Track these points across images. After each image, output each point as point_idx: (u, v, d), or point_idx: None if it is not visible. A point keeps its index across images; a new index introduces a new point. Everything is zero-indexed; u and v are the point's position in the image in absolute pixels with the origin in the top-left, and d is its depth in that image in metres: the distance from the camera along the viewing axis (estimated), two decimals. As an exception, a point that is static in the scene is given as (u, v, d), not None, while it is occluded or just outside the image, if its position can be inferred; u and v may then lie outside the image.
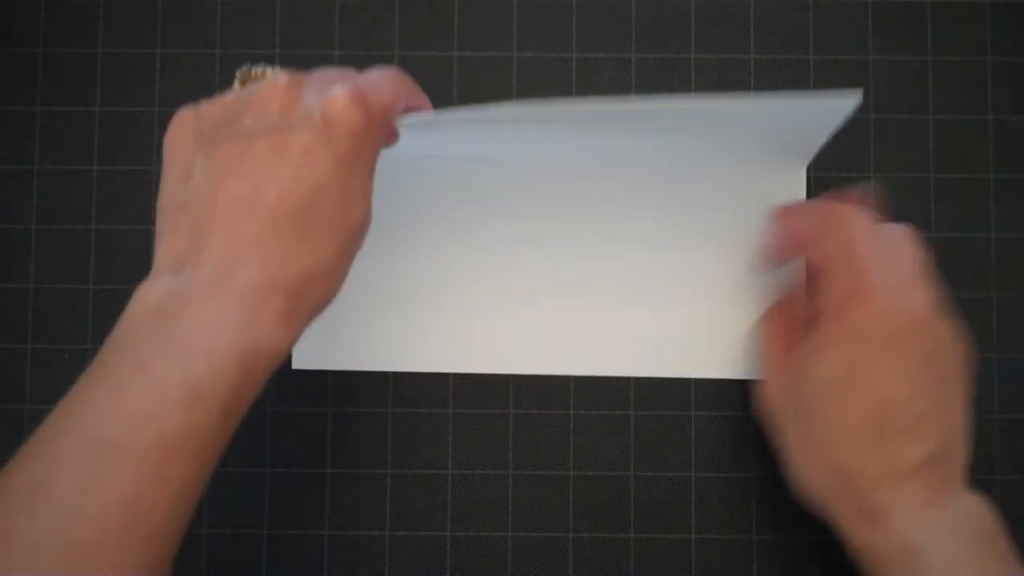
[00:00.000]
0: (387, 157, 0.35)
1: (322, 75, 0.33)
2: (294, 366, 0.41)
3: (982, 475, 0.41)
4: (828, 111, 0.35)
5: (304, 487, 0.41)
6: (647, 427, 0.42)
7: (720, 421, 0.42)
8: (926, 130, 0.43)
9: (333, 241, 0.31)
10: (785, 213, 0.38)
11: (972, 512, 0.33)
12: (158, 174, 0.42)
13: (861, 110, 0.43)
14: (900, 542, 0.32)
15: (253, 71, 0.35)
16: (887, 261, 0.34)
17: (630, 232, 0.41)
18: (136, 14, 0.43)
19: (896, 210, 0.40)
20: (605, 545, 0.41)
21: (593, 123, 0.38)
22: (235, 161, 0.30)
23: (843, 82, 0.43)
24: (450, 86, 0.43)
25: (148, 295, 0.30)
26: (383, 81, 0.33)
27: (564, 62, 0.43)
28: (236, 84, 0.36)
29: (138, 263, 0.42)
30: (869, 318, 0.33)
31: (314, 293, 0.31)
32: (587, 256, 0.41)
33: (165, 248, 0.31)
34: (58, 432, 0.28)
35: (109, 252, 0.42)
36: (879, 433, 0.33)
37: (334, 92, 0.31)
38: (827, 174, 0.42)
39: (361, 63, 0.43)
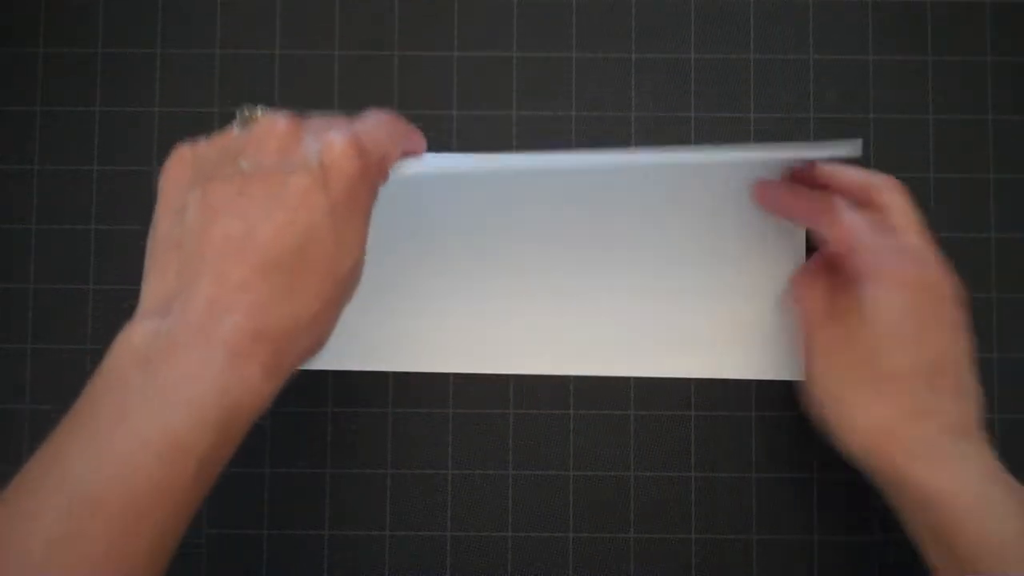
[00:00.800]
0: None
1: (319, 122, 0.33)
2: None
3: (982, 475, 0.41)
4: (830, 157, 0.37)
5: (304, 487, 0.41)
6: (647, 427, 0.42)
7: (720, 421, 0.42)
8: (926, 130, 0.43)
9: (323, 290, 0.30)
10: (774, 192, 0.40)
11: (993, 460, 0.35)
12: (158, 174, 0.42)
13: (861, 110, 0.43)
14: (963, 480, 0.33)
15: (253, 113, 0.34)
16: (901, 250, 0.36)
17: (634, 233, 0.41)
18: (136, 14, 0.43)
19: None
20: (605, 545, 0.41)
21: (592, 171, 0.40)
22: (229, 201, 0.30)
23: (843, 82, 0.43)
24: (450, 86, 0.43)
25: (134, 337, 0.29)
26: (380, 127, 0.33)
27: (564, 62, 0.43)
28: (236, 125, 0.36)
29: (138, 263, 0.42)
30: (931, 274, 0.35)
31: (300, 343, 0.30)
32: (591, 258, 0.41)
33: (153, 285, 0.30)
34: (35, 485, 0.28)
35: (109, 252, 0.42)
36: (933, 379, 0.34)
37: (332, 138, 0.31)
38: (827, 174, 0.42)
39: (361, 63, 0.43)
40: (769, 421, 0.41)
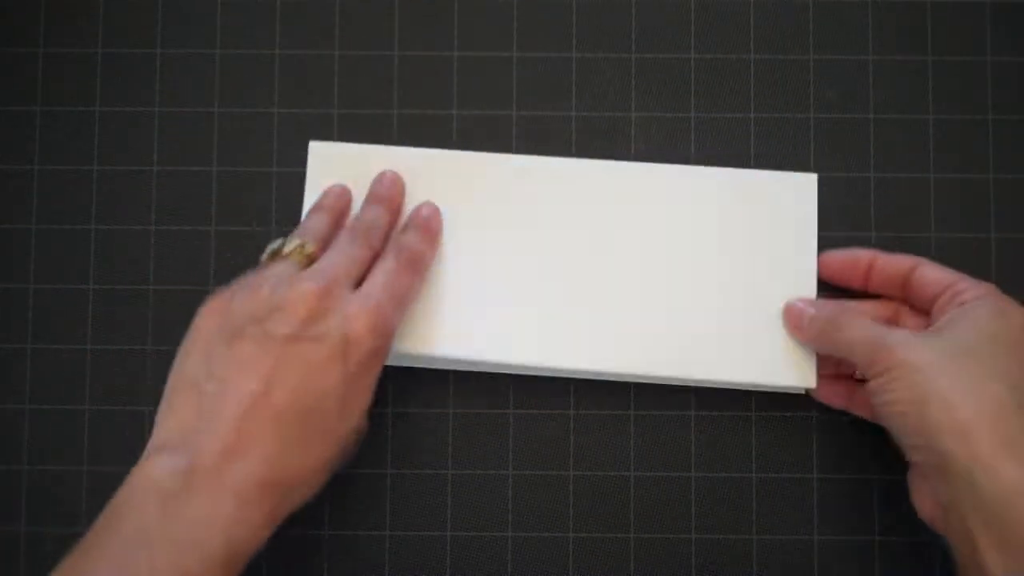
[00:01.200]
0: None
1: (343, 263, 0.36)
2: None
3: (982, 475, 0.41)
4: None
5: (304, 487, 0.41)
6: (647, 427, 0.42)
7: (720, 421, 0.42)
8: (926, 130, 0.43)
9: (328, 446, 0.34)
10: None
11: None
12: (158, 174, 0.42)
13: (861, 110, 0.43)
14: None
15: (284, 247, 0.37)
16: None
17: (645, 235, 0.41)
18: (136, 14, 0.43)
19: (896, 210, 0.40)
20: (605, 545, 0.41)
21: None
22: (254, 359, 0.33)
23: (843, 82, 0.43)
24: (450, 86, 0.43)
25: (154, 470, 0.31)
26: (387, 293, 0.36)
27: (564, 62, 0.43)
28: (265, 258, 0.37)
29: (138, 263, 0.42)
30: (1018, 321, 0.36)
31: (300, 493, 0.33)
32: (601, 257, 0.41)
33: (172, 420, 0.33)
34: None
35: (109, 252, 0.42)
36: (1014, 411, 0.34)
37: (356, 313, 0.34)
38: (827, 174, 0.42)
39: (361, 63, 0.43)
40: (769, 421, 0.41)
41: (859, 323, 0.38)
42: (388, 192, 0.40)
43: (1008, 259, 0.42)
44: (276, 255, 0.37)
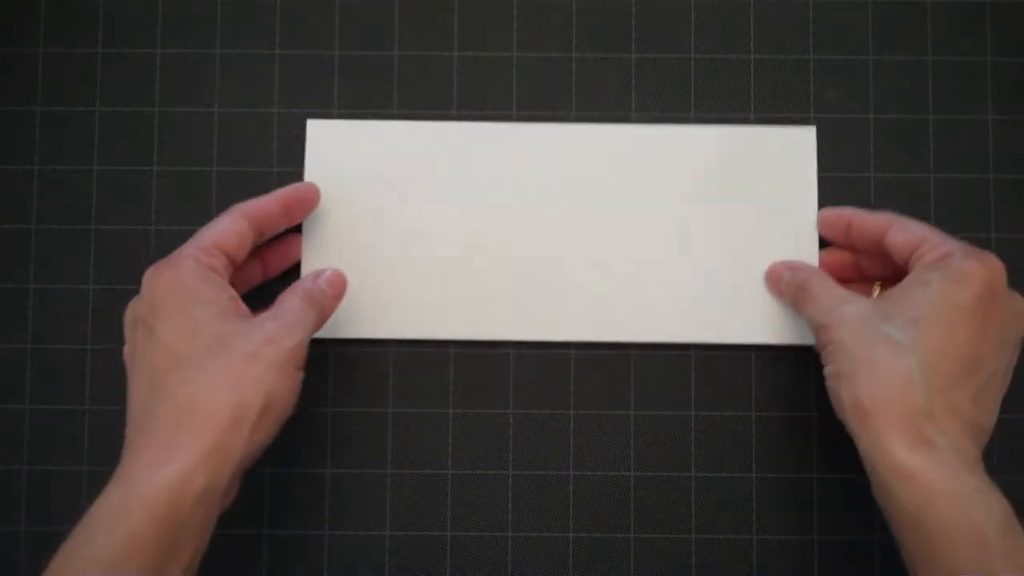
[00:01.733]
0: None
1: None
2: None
3: (982, 475, 0.41)
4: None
5: (304, 487, 0.41)
6: (647, 427, 0.42)
7: (720, 421, 0.42)
8: (926, 130, 0.43)
9: (231, 369, 0.34)
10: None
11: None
12: (158, 174, 0.42)
13: (861, 110, 0.43)
14: (950, 467, 0.32)
15: None
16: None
17: (637, 199, 0.42)
18: (136, 14, 0.43)
19: (896, 210, 0.40)
20: (605, 545, 0.41)
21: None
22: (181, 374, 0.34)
23: (843, 82, 0.43)
24: (450, 86, 0.43)
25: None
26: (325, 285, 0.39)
27: (564, 62, 0.43)
28: None
29: (138, 263, 0.42)
30: (988, 273, 0.34)
31: (245, 421, 0.34)
32: (596, 223, 0.42)
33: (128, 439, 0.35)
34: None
35: (109, 252, 0.42)
36: (959, 375, 0.33)
37: (284, 306, 0.36)
38: (828, 174, 0.42)
39: (361, 63, 0.43)
40: (769, 421, 0.41)
41: (823, 291, 0.38)
42: (320, 288, 0.40)
43: (1008, 259, 0.42)
44: None
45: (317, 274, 0.39)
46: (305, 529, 0.41)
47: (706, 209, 0.41)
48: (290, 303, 0.37)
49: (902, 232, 0.37)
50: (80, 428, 0.41)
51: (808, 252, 0.41)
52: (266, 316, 0.36)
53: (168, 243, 0.42)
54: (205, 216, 0.38)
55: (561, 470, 0.41)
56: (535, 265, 0.41)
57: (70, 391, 0.42)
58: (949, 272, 0.34)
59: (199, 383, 0.33)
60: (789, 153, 0.42)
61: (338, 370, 0.42)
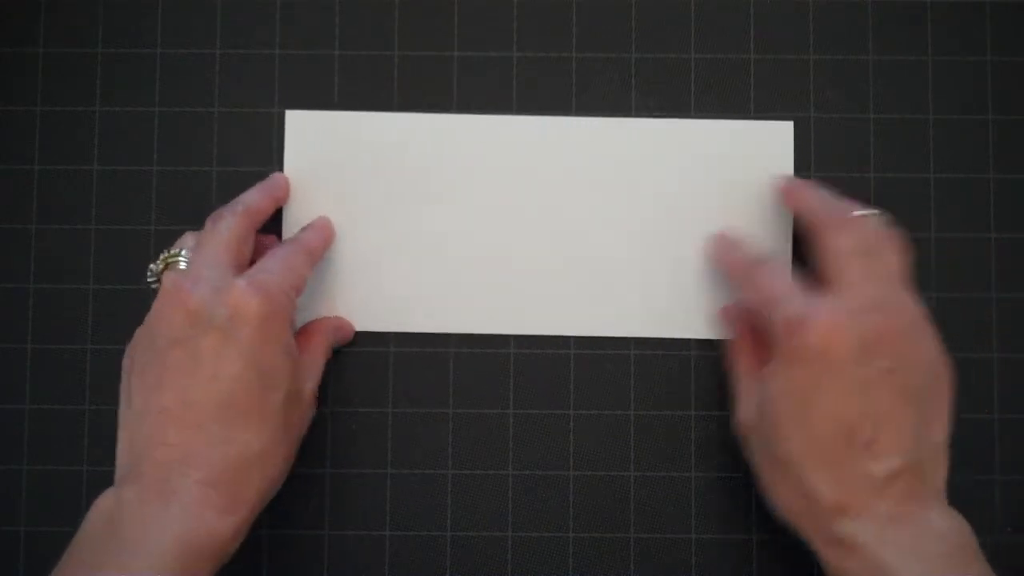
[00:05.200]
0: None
1: (212, 258, 0.35)
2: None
3: (982, 475, 0.41)
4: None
5: (305, 487, 0.41)
6: (647, 427, 0.42)
7: (720, 421, 0.42)
8: (926, 130, 0.43)
9: (262, 428, 0.34)
10: (723, 244, 0.40)
11: (946, 529, 0.32)
12: (158, 174, 0.42)
13: (861, 110, 0.43)
14: (872, 565, 0.31)
15: (163, 263, 0.37)
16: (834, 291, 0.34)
17: (610, 188, 0.42)
18: (136, 14, 0.43)
19: (896, 210, 0.40)
20: (605, 545, 0.41)
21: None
22: (157, 378, 0.33)
23: (843, 82, 0.43)
24: (450, 86, 0.43)
25: (103, 504, 0.32)
26: (276, 263, 0.36)
27: (564, 62, 0.43)
28: (150, 282, 0.37)
29: (138, 263, 0.42)
30: (811, 342, 0.32)
31: (254, 478, 0.33)
32: (575, 216, 0.42)
33: (119, 459, 0.34)
34: None
35: (109, 252, 0.42)
36: (837, 454, 0.32)
37: (232, 290, 0.33)
38: (827, 174, 0.42)
39: (361, 63, 0.43)
40: (769, 421, 0.41)
41: (743, 368, 0.38)
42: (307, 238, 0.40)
43: (1008, 259, 0.42)
44: (161, 275, 0.36)
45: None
46: (305, 529, 0.41)
47: (692, 203, 0.42)
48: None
49: (831, 240, 0.36)
50: (80, 428, 0.41)
51: (782, 248, 0.41)
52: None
53: (168, 243, 0.42)
54: (205, 216, 0.38)
55: (561, 470, 0.41)
56: (521, 258, 0.41)
57: (70, 391, 0.42)
58: (780, 351, 0.34)
59: (267, 436, 0.34)
60: (765, 149, 0.42)
61: (338, 370, 0.42)
